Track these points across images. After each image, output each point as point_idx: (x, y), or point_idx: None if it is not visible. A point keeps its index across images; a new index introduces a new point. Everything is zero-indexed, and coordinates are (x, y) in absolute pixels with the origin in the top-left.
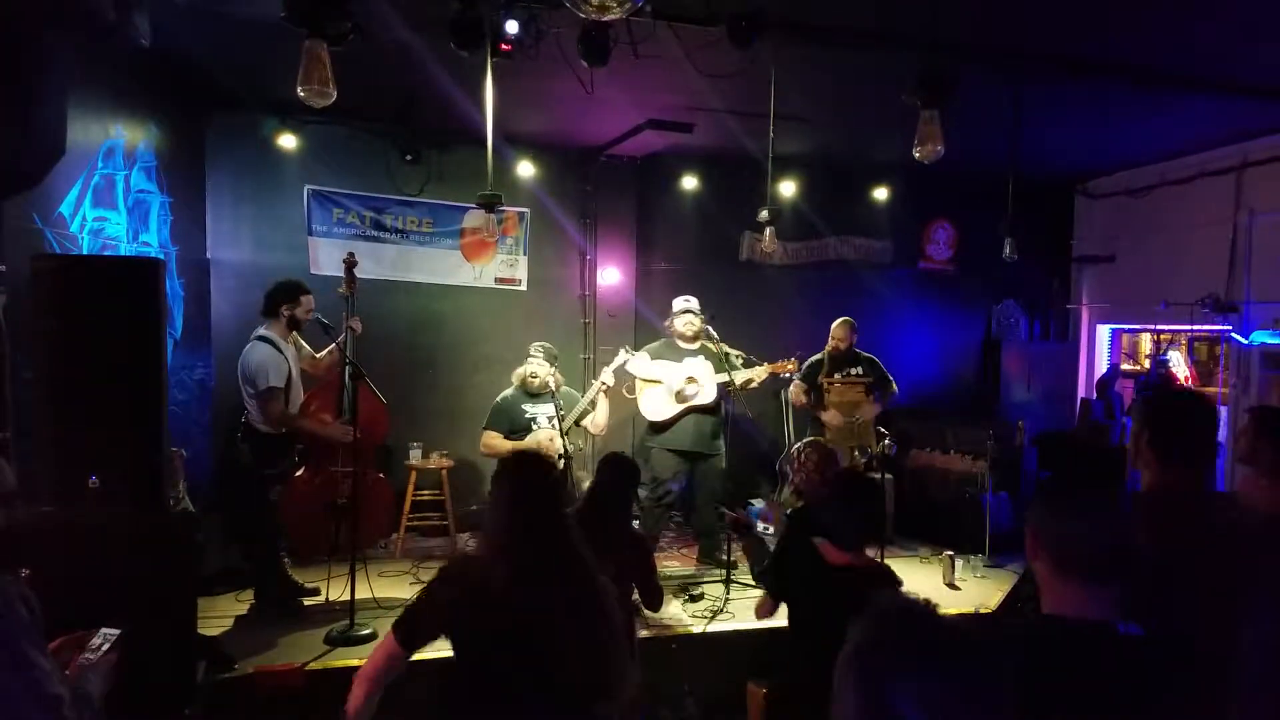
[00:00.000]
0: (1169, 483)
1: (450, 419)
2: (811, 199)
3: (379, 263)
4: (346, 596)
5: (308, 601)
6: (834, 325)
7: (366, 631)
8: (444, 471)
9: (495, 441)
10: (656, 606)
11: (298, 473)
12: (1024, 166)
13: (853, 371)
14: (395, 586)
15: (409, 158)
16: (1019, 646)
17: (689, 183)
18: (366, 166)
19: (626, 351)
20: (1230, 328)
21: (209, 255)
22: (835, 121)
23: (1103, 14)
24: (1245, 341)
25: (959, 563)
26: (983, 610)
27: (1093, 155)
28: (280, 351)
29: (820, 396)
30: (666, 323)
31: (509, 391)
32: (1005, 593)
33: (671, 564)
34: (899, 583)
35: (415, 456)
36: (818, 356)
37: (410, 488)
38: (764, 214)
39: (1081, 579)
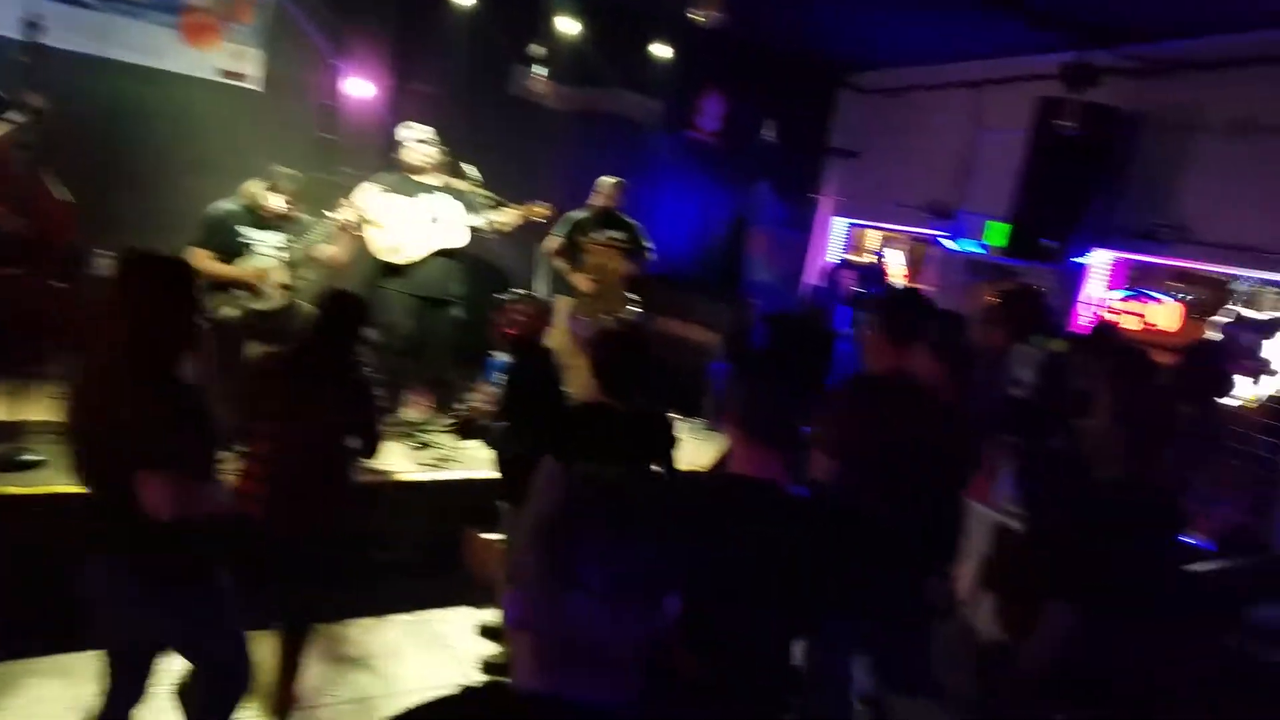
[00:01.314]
0: (898, 367)
1: (151, 228)
2: (593, 42)
3: (73, 30)
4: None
5: None
6: (606, 183)
7: (36, 457)
8: None
9: (205, 263)
10: (370, 453)
11: None
12: (794, 50)
13: (616, 235)
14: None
15: None
16: (688, 500)
17: None
18: None
19: (371, 184)
20: (945, 234)
21: None
22: None
23: None
24: (953, 247)
25: (681, 425)
26: (697, 468)
27: (859, 49)
28: None
29: (577, 254)
30: (395, 152)
31: (228, 204)
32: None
33: (406, 412)
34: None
35: (105, 267)
36: (582, 214)
37: (92, 301)
38: (534, 48)
39: (759, 442)
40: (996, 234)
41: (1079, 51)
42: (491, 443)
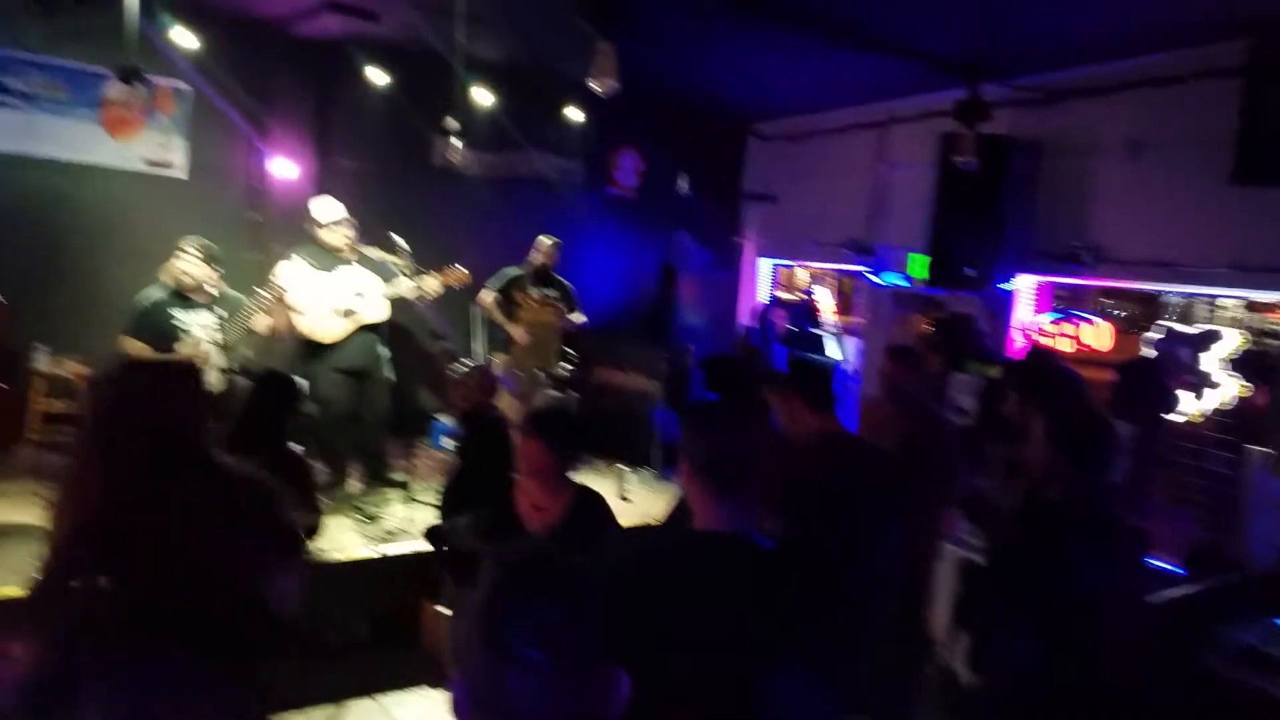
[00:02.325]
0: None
1: (86, 319)
2: (507, 110)
3: None
4: None
5: None
6: (545, 243)
7: None
8: (79, 380)
9: (140, 353)
10: (312, 533)
11: None
12: (704, 104)
13: (549, 293)
14: (17, 508)
15: (36, 6)
16: (633, 564)
17: (377, 76)
18: None
19: (297, 258)
20: (868, 269)
21: None
22: (528, 31)
23: None
24: (878, 281)
25: (630, 475)
26: (651, 522)
27: (764, 99)
28: None
29: (513, 310)
30: (308, 225)
31: (155, 292)
32: (671, 505)
33: (352, 485)
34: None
35: (42, 361)
36: (517, 271)
37: (36, 396)
38: (451, 122)
39: (712, 488)
40: (918, 266)
41: (973, 87)
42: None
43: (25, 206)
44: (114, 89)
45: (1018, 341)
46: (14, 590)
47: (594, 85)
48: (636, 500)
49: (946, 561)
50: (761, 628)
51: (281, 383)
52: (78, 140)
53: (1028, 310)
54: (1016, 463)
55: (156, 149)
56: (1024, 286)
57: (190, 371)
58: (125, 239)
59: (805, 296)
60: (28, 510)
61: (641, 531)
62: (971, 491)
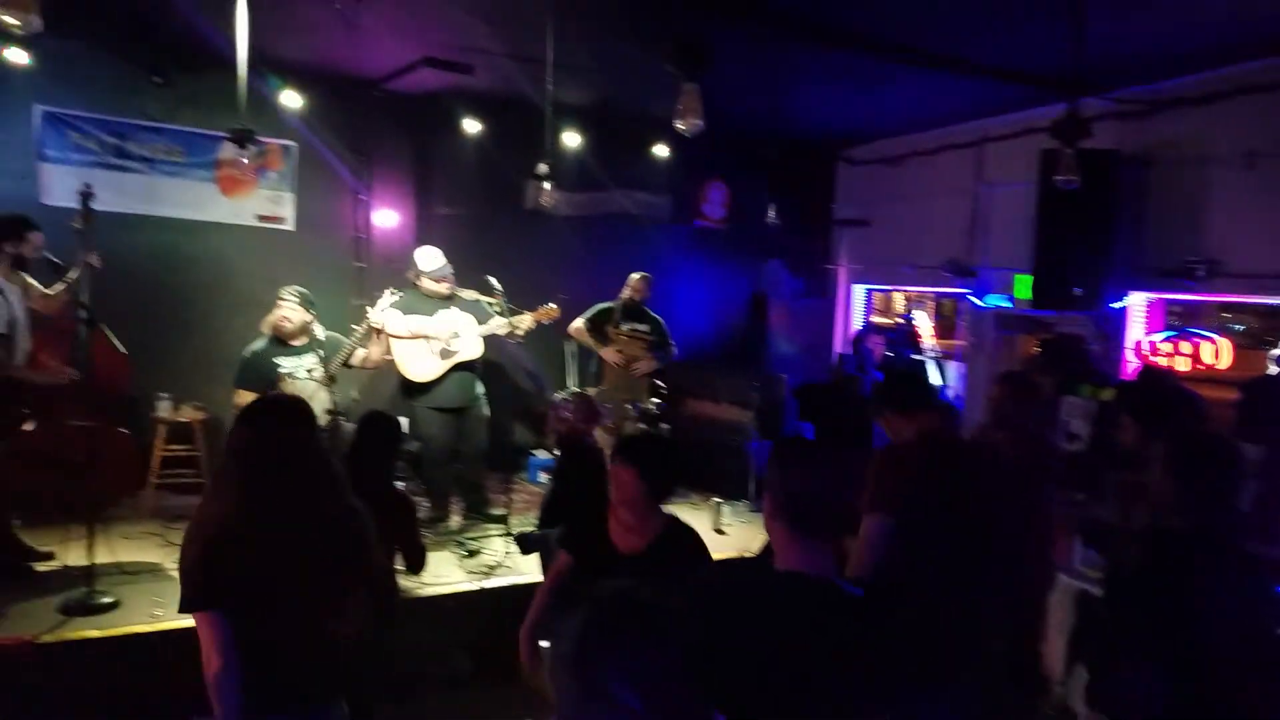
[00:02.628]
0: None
1: (205, 369)
2: (595, 150)
3: (122, 194)
4: (85, 561)
5: (40, 567)
6: (634, 277)
7: (108, 600)
8: (197, 425)
9: (248, 401)
10: (418, 569)
11: (25, 426)
12: (790, 133)
13: (639, 328)
14: (142, 549)
15: (158, 79)
16: (716, 605)
17: (472, 126)
18: (109, 87)
19: (392, 293)
20: (969, 290)
21: None
22: (614, 75)
23: None
24: (980, 304)
25: (726, 508)
26: (746, 554)
27: (852, 125)
28: (1, 293)
29: (602, 340)
30: (412, 273)
31: (258, 344)
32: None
33: (453, 519)
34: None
35: (164, 409)
36: (609, 305)
37: (159, 442)
38: (542, 167)
39: (789, 528)
40: (1024, 286)
41: (1072, 102)
42: (543, 549)
43: (146, 263)
44: (227, 151)
45: (1131, 362)
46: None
47: (679, 125)
48: (732, 533)
49: (1062, 593)
50: (843, 674)
51: (384, 422)
52: (195, 200)
53: (1140, 329)
54: (1135, 488)
55: (267, 204)
56: (1136, 304)
57: (299, 404)
58: (238, 290)
59: (903, 321)
60: (155, 550)
61: (728, 567)
62: (1090, 519)
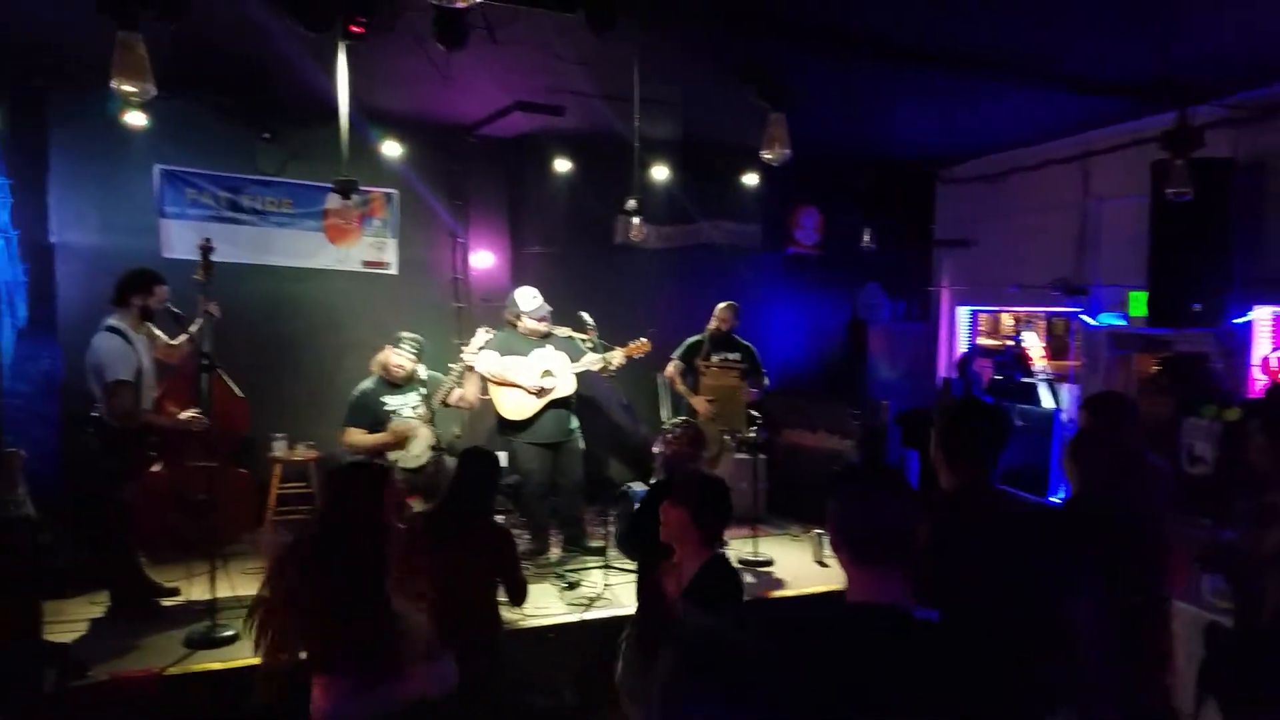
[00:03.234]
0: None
1: (317, 409)
2: (683, 183)
3: (236, 245)
4: (207, 596)
5: (166, 602)
6: (719, 307)
7: (229, 633)
8: (310, 463)
9: (358, 438)
10: (520, 600)
11: (152, 468)
12: (884, 154)
13: (730, 356)
14: (260, 584)
15: (266, 135)
16: (798, 641)
17: (562, 165)
18: (222, 144)
19: (486, 332)
20: (1080, 309)
21: (53, 239)
22: (701, 108)
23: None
24: (1093, 323)
25: (827, 540)
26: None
27: (949, 143)
28: (130, 343)
29: (695, 378)
30: (511, 313)
31: (367, 384)
32: None
33: (553, 552)
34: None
35: (279, 448)
36: (698, 337)
37: (275, 481)
38: (631, 203)
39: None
40: (1139, 304)
41: (1181, 112)
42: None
43: (260, 310)
44: (333, 201)
45: (1259, 380)
46: None
47: (766, 155)
48: (834, 565)
49: (1188, 624)
50: (916, 705)
51: (484, 458)
52: (304, 249)
53: (1268, 344)
54: (1269, 511)
55: (372, 250)
56: (1261, 318)
57: (383, 473)
58: (346, 333)
59: (1012, 343)
60: None
61: (798, 603)
62: (1217, 545)
